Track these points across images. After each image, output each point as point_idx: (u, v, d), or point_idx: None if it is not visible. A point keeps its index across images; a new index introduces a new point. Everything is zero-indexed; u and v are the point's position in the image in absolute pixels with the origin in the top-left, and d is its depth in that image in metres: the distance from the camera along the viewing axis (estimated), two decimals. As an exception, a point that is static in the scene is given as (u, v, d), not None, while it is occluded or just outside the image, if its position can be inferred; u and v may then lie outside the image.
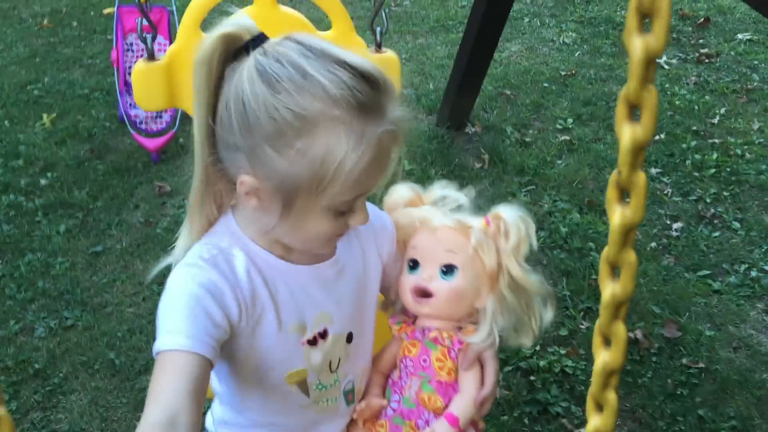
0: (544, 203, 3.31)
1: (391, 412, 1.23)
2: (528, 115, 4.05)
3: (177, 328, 0.98)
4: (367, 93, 0.96)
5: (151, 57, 1.57)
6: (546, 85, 4.38)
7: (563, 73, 4.52)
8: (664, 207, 3.31)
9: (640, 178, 0.59)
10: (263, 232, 1.09)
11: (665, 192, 3.41)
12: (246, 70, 0.96)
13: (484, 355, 1.22)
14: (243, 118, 0.96)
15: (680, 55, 4.79)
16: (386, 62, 1.73)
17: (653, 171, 3.55)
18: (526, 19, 5.36)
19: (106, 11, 5.40)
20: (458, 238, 1.21)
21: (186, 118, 3.78)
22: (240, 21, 1.00)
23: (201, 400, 0.94)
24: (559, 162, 3.62)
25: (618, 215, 0.60)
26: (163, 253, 2.26)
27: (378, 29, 1.75)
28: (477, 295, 1.22)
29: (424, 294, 1.21)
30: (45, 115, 3.92)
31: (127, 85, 3.74)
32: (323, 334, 1.16)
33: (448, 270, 1.20)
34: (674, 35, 5.07)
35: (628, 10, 0.57)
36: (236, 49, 0.98)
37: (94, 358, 2.49)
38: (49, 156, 3.59)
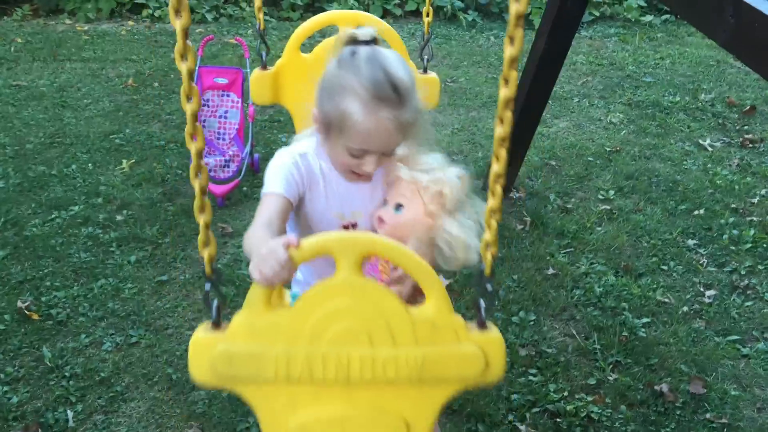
0: (581, 264, 3.48)
1: None
2: (571, 185, 4.26)
3: (276, 182, 1.65)
4: (388, 93, 1.58)
5: (264, 67, 2.45)
6: (591, 159, 4.59)
7: (608, 149, 4.74)
8: (698, 276, 3.43)
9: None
10: (326, 152, 1.74)
11: (701, 262, 3.53)
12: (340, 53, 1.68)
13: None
14: (323, 77, 1.68)
15: (724, 139, 4.96)
16: (428, 81, 2.54)
17: (690, 242, 3.69)
18: (576, 99, 5.63)
19: (185, 75, 5.90)
20: (414, 191, 1.71)
21: (249, 170, 4.12)
22: (366, 29, 1.70)
23: (285, 220, 1.63)
24: (599, 229, 3.79)
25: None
26: (222, 286, 2.54)
27: (425, 57, 2.55)
28: (413, 230, 1.69)
29: (380, 220, 1.73)
30: (125, 161, 4.30)
31: (201, 137, 4.10)
32: (354, 225, 1.79)
33: (398, 207, 1.72)
34: (720, 121, 5.26)
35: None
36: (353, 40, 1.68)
37: (154, 372, 2.72)
38: (125, 196, 3.93)
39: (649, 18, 8.11)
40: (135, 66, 6.13)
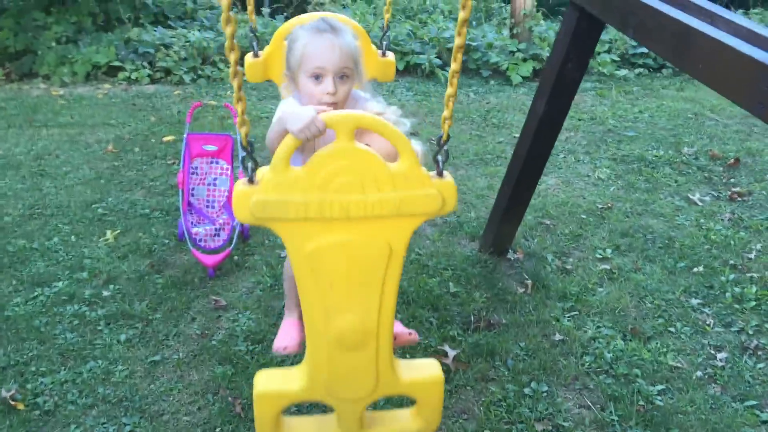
0: (587, 329, 3.39)
1: None
2: (567, 245, 4.20)
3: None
4: (325, 27, 2.14)
5: (256, 55, 2.79)
6: (584, 216, 4.56)
7: (600, 206, 4.71)
8: (707, 337, 3.36)
9: None
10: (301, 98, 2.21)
11: (707, 323, 3.47)
12: None
13: None
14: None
15: (713, 192, 4.97)
16: (387, 62, 2.90)
17: (694, 302, 3.63)
18: (561, 155, 5.63)
19: (165, 139, 5.80)
20: (395, 154, 1.93)
21: (239, 239, 3.99)
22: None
23: None
24: (601, 290, 3.72)
25: None
26: (218, 365, 2.39)
27: (384, 43, 2.87)
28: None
29: None
30: (109, 232, 4.15)
31: (190, 206, 3.98)
32: None
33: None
34: (705, 174, 5.29)
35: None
36: None
37: (152, 465, 2.55)
38: (111, 269, 3.78)
39: (623, 72, 8.26)
40: (114, 131, 6.03)
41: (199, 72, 7.79)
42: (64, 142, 5.73)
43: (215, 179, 4.01)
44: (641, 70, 8.38)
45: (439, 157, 1.84)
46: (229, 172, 4.03)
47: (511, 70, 7.97)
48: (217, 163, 4.03)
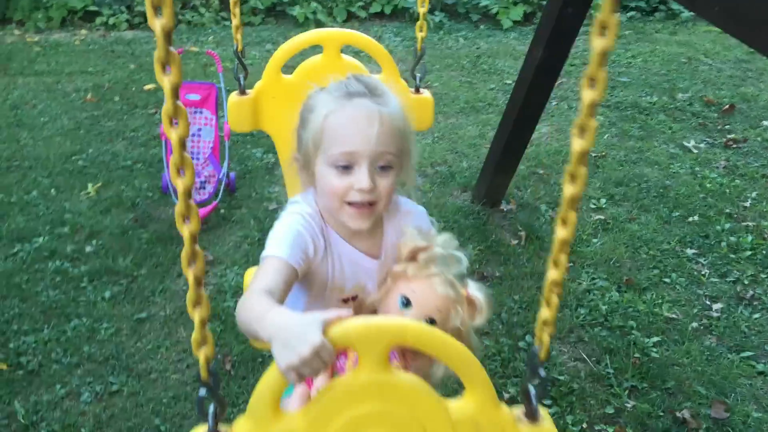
0: (582, 281, 3.34)
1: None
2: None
3: (281, 245, 1.45)
4: (358, 88, 1.47)
5: (242, 92, 2.11)
6: (577, 165, 4.46)
7: (594, 154, 4.62)
8: (702, 288, 3.32)
9: None
10: (325, 210, 1.56)
11: (702, 273, 3.42)
12: None
13: None
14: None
15: (708, 140, 4.89)
16: (421, 102, 2.25)
17: (689, 252, 3.58)
18: (554, 103, 5.50)
19: (146, 87, 5.61)
20: (448, 307, 1.50)
21: (225, 191, 3.88)
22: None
23: (288, 291, 1.41)
24: (595, 240, 3.66)
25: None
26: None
27: (418, 75, 2.29)
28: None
29: None
30: (90, 185, 4.02)
31: (174, 157, 3.85)
32: (354, 299, 1.63)
33: (431, 322, 1.48)
34: (700, 120, 5.19)
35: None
36: None
37: (140, 424, 2.49)
38: (94, 224, 3.67)
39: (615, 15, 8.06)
40: (92, 79, 5.82)
41: (179, 17, 7.52)
42: (41, 91, 5.53)
43: (199, 130, 3.86)
44: (633, 13, 8.18)
45: (532, 388, 1.16)
46: (213, 122, 3.89)
47: (501, 14, 7.76)
48: (201, 113, 3.88)
